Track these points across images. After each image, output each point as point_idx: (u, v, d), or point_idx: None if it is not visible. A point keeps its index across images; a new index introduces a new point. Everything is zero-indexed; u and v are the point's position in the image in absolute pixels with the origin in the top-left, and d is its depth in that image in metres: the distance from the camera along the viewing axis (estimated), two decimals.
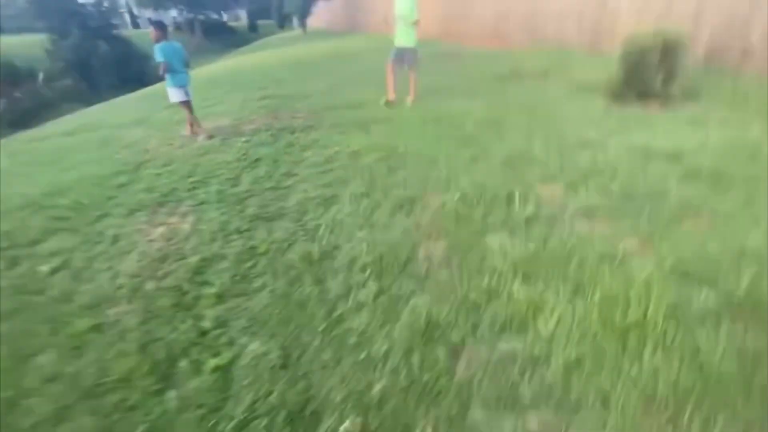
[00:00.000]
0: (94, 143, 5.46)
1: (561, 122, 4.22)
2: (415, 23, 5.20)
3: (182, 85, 4.79)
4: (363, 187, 3.16)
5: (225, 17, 53.76)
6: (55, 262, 2.59)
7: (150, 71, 20.54)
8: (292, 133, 4.77)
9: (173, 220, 3.00)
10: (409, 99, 5.53)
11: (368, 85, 6.72)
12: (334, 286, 2.10)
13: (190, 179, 3.66)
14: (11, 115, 12.80)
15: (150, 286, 2.26)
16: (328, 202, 3.00)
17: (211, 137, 4.82)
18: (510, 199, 2.76)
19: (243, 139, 4.70)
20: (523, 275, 1.99)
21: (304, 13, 22.00)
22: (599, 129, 3.92)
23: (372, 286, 2.05)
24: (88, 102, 16.76)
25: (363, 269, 2.19)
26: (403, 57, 5.36)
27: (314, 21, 25.43)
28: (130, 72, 18.69)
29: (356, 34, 20.00)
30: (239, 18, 57.52)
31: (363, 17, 20.58)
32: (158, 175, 3.85)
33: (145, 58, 20.36)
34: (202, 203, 3.19)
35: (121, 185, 3.70)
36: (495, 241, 2.31)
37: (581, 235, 2.29)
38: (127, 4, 41.74)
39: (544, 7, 8.51)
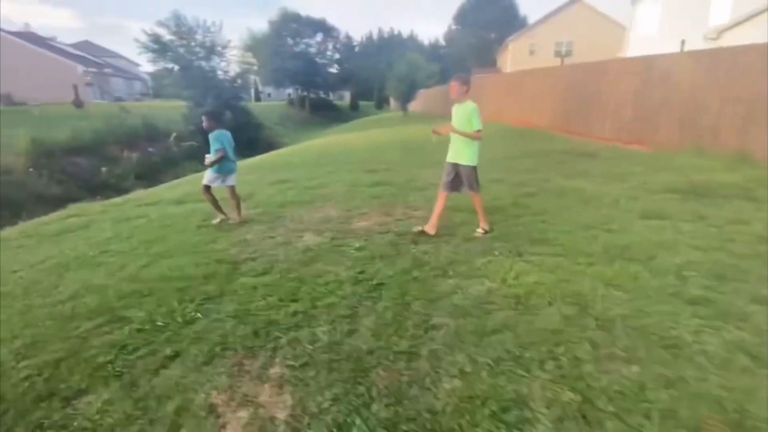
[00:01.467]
0: (196, 220, 5.03)
1: None
2: (477, 135, 3.70)
3: (233, 172, 4.77)
4: (566, 385, 1.86)
5: (330, 96, 60.38)
6: None
7: (262, 138, 22.74)
8: (416, 243, 3.76)
9: (263, 395, 1.95)
10: (480, 228, 3.92)
11: (491, 183, 5.71)
12: None
13: (293, 306, 2.70)
14: (141, 167, 14.25)
15: None
16: (516, 416, 1.73)
17: (243, 223, 4.70)
18: None
19: (356, 244, 3.80)
20: None
21: (407, 98, 23.06)
22: None
23: None
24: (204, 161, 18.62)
25: None
26: (459, 178, 3.91)
27: (412, 105, 26.69)
28: (245, 138, 20.62)
29: None
30: (343, 97, 64.47)
31: None
32: (254, 289, 2.98)
33: (260, 127, 22.62)
34: (305, 364, 2.14)
35: (207, 299, 2.88)
36: None
37: None
38: (255, 81, 49.09)
39: (710, 100, 7.06)
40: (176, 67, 20.07)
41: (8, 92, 25.25)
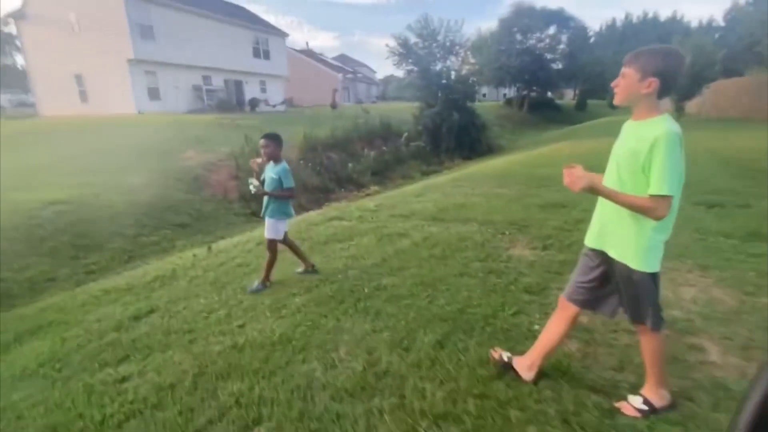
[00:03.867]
0: (471, 254, 3.78)
1: None
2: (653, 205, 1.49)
3: (288, 217, 3.52)
4: None
5: (549, 94, 54.38)
6: None
7: (483, 141, 21.52)
8: None
9: None
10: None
11: None
12: None
13: None
14: (376, 164, 15.10)
15: None
16: None
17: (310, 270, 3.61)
18: None
19: None
20: None
21: (687, 95, 17.23)
22: None
23: None
24: (428, 161, 18.71)
25: None
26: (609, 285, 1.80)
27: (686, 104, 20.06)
28: (468, 140, 19.80)
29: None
30: (563, 95, 57.08)
31: None
32: None
33: (483, 128, 21.37)
34: None
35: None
36: None
37: None
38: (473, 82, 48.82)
39: None
40: (415, 69, 20.92)
41: (291, 97, 32.49)
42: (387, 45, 20.69)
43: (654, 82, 1.52)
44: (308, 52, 41.55)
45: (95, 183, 9.07)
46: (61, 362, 2.62)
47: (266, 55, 27.66)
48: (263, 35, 27.33)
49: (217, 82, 24.39)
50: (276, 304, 3.09)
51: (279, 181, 3.31)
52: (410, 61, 20.63)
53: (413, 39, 20.51)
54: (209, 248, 4.80)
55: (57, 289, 5.64)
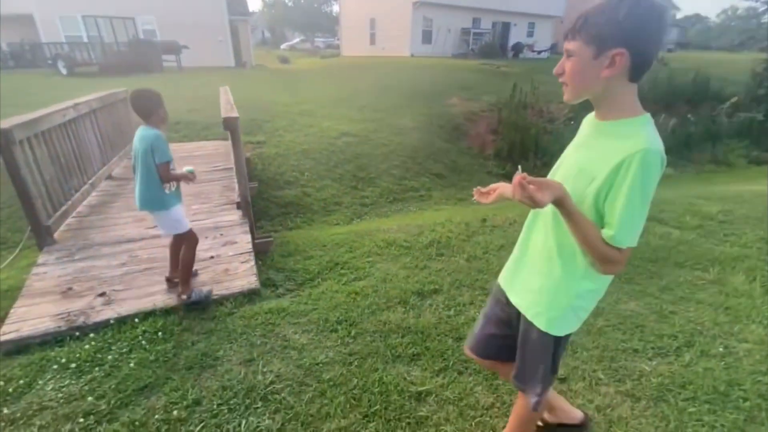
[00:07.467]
0: None
1: None
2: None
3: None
4: None
5: None
6: None
7: None
8: None
9: None
10: None
11: None
12: None
13: None
14: (674, 138, 11.16)
15: None
16: None
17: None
18: None
19: None
20: None
21: None
22: None
23: None
24: (759, 143, 12.70)
25: None
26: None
27: None
28: None
29: None
30: None
31: None
32: None
33: None
34: None
35: None
36: None
37: None
38: None
39: None
40: None
41: (555, 42, 28.29)
42: None
43: (620, 57, 0.89)
44: None
45: (375, 119, 10.03)
46: (354, 327, 2.46)
47: None
48: None
49: (486, 24, 23.37)
50: None
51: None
52: None
53: None
54: (484, 221, 4.14)
55: (341, 215, 6.40)
